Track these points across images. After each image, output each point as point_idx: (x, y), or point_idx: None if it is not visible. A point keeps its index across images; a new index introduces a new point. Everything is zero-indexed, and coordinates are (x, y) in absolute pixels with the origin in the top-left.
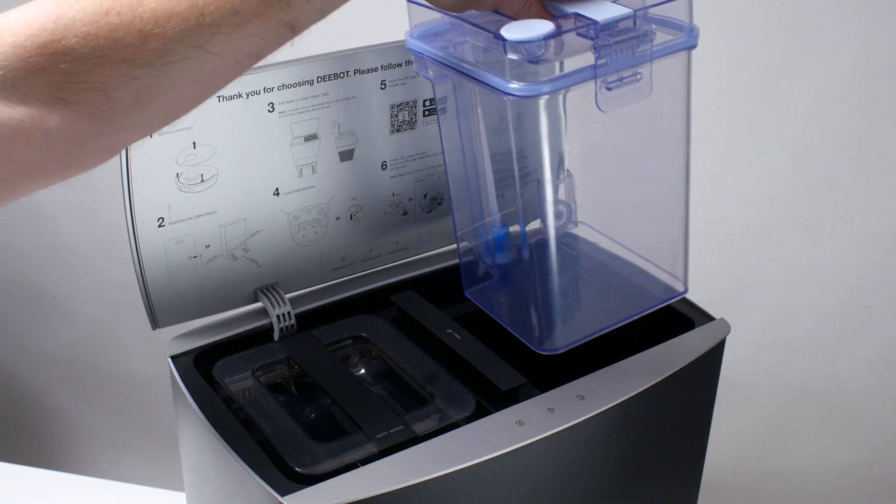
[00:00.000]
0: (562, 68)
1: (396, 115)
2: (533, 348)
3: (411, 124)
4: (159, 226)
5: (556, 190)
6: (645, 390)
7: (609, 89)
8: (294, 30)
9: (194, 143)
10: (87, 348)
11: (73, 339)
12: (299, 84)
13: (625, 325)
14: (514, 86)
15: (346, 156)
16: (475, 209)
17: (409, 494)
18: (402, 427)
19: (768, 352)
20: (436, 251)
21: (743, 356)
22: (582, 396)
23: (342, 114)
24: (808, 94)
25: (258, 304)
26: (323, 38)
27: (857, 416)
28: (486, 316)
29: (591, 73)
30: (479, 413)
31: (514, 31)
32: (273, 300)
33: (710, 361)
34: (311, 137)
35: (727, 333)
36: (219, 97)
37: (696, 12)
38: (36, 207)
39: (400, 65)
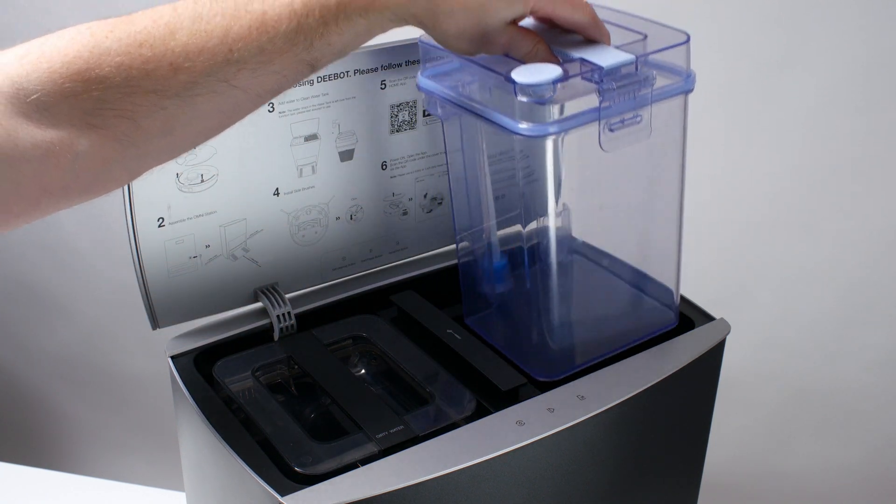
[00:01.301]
0: (562, 107)
1: (396, 115)
2: (532, 374)
3: (411, 124)
4: (159, 226)
5: (557, 223)
6: (645, 390)
7: (612, 130)
8: (314, 68)
9: None
10: (87, 348)
11: (73, 339)
12: (299, 84)
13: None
14: (523, 126)
15: (346, 156)
16: (476, 238)
17: (409, 494)
18: (402, 427)
19: (768, 352)
20: (436, 251)
21: (743, 356)
22: (582, 396)
23: (342, 114)
24: (808, 93)
25: (258, 304)
26: None
27: (857, 416)
28: None
29: (596, 114)
30: (479, 413)
31: (524, 74)
32: (273, 300)
33: (710, 361)
34: (311, 137)
35: (727, 333)
36: None
37: (694, 8)
38: None
39: (400, 65)
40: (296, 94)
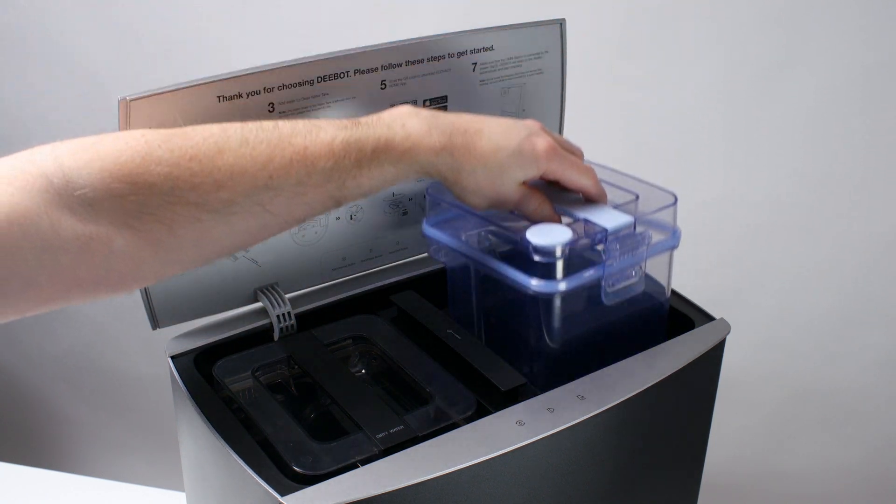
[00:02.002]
0: (567, 263)
1: None
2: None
3: None
4: None
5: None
6: (645, 390)
7: (612, 285)
8: (339, 204)
9: None
10: (87, 348)
11: (73, 338)
12: (299, 84)
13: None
14: (535, 283)
15: None
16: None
17: (409, 494)
18: (402, 427)
19: (768, 352)
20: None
21: (743, 356)
22: (582, 396)
23: (342, 114)
24: (808, 94)
25: (258, 304)
26: (323, 37)
27: (857, 416)
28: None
29: (601, 272)
30: (479, 413)
31: (538, 236)
32: (273, 300)
33: (710, 361)
34: None
35: (727, 333)
36: (219, 97)
37: (694, 9)
38: None
39: (400, 65)
40: (296, 94)
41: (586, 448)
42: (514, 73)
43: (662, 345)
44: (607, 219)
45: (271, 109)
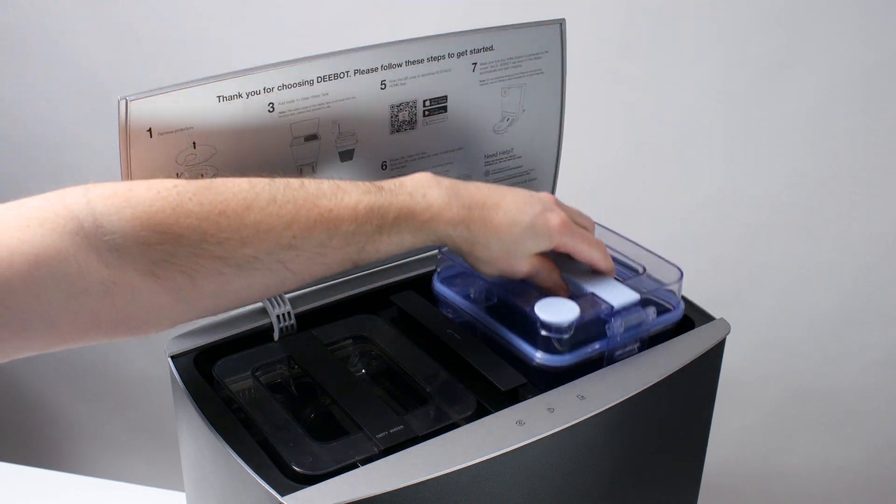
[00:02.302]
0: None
1: (396, 115)
2: None
3: (411, 124)
4: None
5: None
6: (645, 390)
7: (614, 357)
8: (356, 266)
9: (194, 143)
10: (87, 348)
11: None
12: (299, 84)
13: None
14: (540, 356)
15: (346, 156)
16: None
17: (409, 494)
18: (402, 427)
19: (768, 352)
20: (436, 251)
21: (743, 356)
22: (582, 396)
23: (342, 114)
24: (808, 94)
25: (258, 304)
26: (323, 37)
27: (857, 416)
28: None
29: (605, 345)
30: (479, 413)
31: (547, 311)
32: (273, 300)
33: (710, 361)
34: (311, 137)
35: (727, 333)
36: (219, 97)
37: (694, 9)
38: None
39: (400, 65)
40: (296, 94)
41: (586, 448)
42: (514, 73)
43: (662, 345)
44: (614, 295)
45: (271, 109)
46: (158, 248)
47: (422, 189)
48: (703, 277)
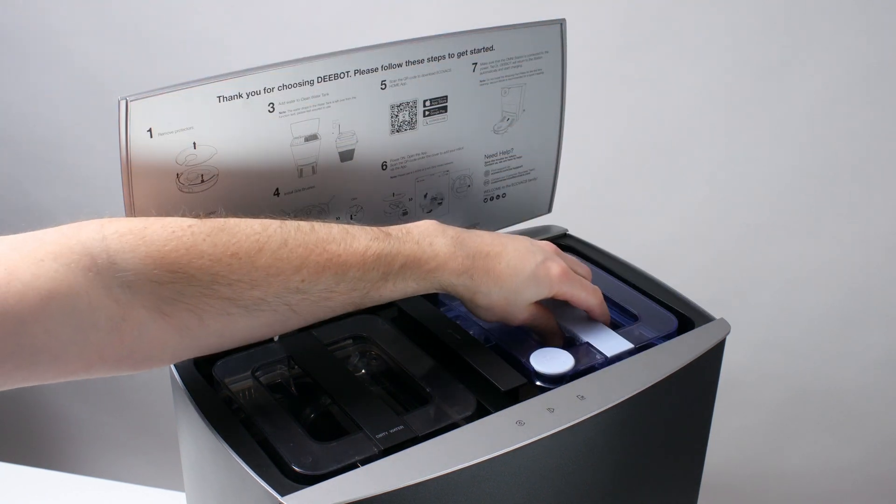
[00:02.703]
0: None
1: (396, 115)
2: None
3: (411, 124)
4: None
5: None
6: (645, 390)
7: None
8: (357, 308)
9: (194, 143)
10: None
11: None
12: (299, 84)
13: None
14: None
15: (346, 156)
16: None
17: (409, 494)
18: (402, 427)
19: (768, 352)
20: None
21: (743, 356)
22: (582, 396)
23: (342, 114)
24: (809, 94)
25: None
26: (323, 37)
27: (856, 416)
28: None
29: None
30: (479, 413)
31: (542, 362)
32: None
33: (710, 361)
34: (311, 137)
35: (727, 333)
36: (219, 97)
37: (694, 9)
38: (36, 207)
39: (400, 65)
40: (296, 94)
41: (586, 448)
42: (514, 73)
43: (662, 345)
44: (608, 346)
45: (271, 109)
46: (169, 287)
47: (428, 238)
48: (703, 277)
